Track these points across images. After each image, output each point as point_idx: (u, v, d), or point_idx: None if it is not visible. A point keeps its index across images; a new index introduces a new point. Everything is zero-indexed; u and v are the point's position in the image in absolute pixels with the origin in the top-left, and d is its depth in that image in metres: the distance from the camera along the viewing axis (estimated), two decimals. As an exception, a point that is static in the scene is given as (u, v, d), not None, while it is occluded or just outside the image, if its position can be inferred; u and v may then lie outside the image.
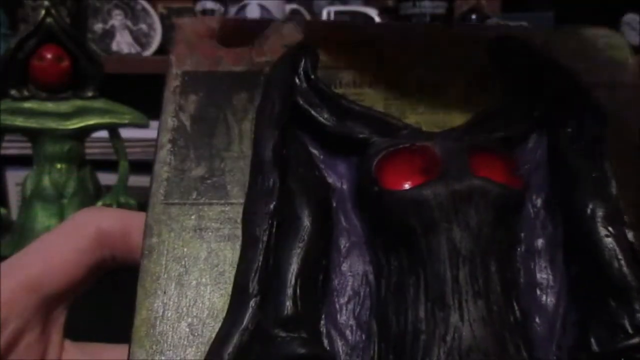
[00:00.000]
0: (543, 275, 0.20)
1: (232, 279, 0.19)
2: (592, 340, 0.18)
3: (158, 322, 0.19)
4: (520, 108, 0.22)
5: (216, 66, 0.23)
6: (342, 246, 0.20)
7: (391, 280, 0.19)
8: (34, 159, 0.57)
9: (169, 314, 0.19)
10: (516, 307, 0.19)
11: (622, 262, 0.18)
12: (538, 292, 0.20)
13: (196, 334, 0.19)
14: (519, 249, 0.20)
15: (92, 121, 0.56)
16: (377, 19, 1.19)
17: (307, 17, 1.21)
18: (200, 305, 0.19)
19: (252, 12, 1.07)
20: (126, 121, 0.57)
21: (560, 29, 0.25)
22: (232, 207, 0.20)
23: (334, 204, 0.20)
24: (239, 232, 0.19)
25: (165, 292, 0.19)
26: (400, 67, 0.23)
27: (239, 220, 0.20)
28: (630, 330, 0.18)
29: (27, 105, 0.56)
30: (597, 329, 0.18)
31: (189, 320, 0.19)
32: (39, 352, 0.23)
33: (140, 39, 1.17)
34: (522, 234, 0.20)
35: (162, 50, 1.17)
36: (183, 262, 0.20)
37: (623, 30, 1.20)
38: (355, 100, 0.21)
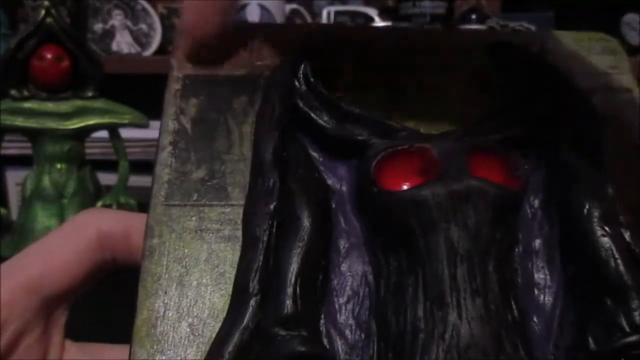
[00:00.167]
0: (540, 275, 0.20)
1: (232, 279, 0.19)
2: (590, 339, 0.18)
3: (159, 322, 0.19)
4: (519, 110, 0.22)
5: (217, 70, 0.23)
6: (341, 247, 0.20)
7: (390, 280, 0.19)
8: (34, 159, 0.57)
9: (170, 314, 0.19)
10: (514, 307, 0.19)
11: (619, 261, 0.18)
12: (536, 292, 0.20)
13: (197, 334, 0.19)
14: (516, 249, 0.20)
15: (92, 121, 0.56)
16: (377, 19, 1.19)
17: (307, 17, 1.21)
18: (201, 305, 0.19)
19: (252, 12, 1.06)
20: (126, 121, 0.57)
21: (557, 33, 0.25)
22: (232, 209, 0.20)
23: (334, 206, 0.21)
24: (239, 234, 0.20)
25: (166, 293, 0.19)
26: (400, 69, 0.23)
27: (239, 222, 0.20)
28: (627, 329, 0.18)
29: (27, 105, 0.56)
30: (594, 329, 0.18)
31: (190, 320, 0.19)
32: (39, 353, 0.23)
33: (140, 39, 1.17)
34: (520, 235, 0.20)
35: (162, 50, 1.17)
36: (184, 263, 0.20)
37: (623, 30, 1.20)
38: (354, 103, 0.22)
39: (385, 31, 0.26)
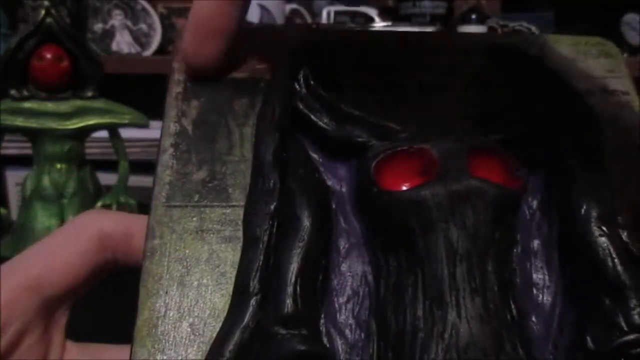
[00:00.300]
0: (539, 275, 0.20)
1: (233, 279, 0.19)
2: (588, 339, 0.18)
3: (160, 322, 0.19)
4: (519, 110, 0.22)
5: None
6: (341, 247, 0.20)
7: (390, 280, 0.19)
8: (34, 159, 0.57)
9: (171, 314, 0.19)
10: (513, 306, 0.19)
11: (617, 261, 0.18)
12: (534, 292, 0.20)
13: (197, 334, 0.19)
14: (515, 250, 0.20)
15: (92, 121, 0.56)
16: (377, 19, 1.19)
17: (307, 17, 1.21)
18: (202, 305, 0.19)
19: (252, 12, 1.06)
20: (126, 121, 0.58)
21: (554, 37, 0.25)
22: (233, 210, 0.21)
23: (334, 206, 0.21)
24: (240, 234, 0.20)
25: (167, 293, 0.19)
26: (400, 69, 0.23)
27: (240, 223, 0.20)
28: (625, 328, 0.18)
29: (27, 105, 0.56)
30: (592, 328, 0.18)
31: (191, 320, 0.19)
32: (40, 353, 0.23)
33: (140, 39, 1.17)
34: (519, 235, 0.20)
35: (162, 50, 1.17)
36: (185, 263, 0.20)
37: (623, 30, 1.20)
38: (354, 105, 0.22)
39: (385, 32, 0.26)
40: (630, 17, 1.21)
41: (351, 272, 0.20)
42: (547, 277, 0.20)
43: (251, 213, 0.19)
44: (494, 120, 0.22)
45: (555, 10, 1.21)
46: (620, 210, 0.19)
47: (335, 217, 0.21)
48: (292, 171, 0.20)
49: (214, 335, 0.18)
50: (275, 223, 0.19)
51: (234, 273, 0.19)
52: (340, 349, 0.19)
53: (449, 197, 0.19)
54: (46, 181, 0.56)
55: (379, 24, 1.17)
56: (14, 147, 0.77)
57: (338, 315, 0.19)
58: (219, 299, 0.19)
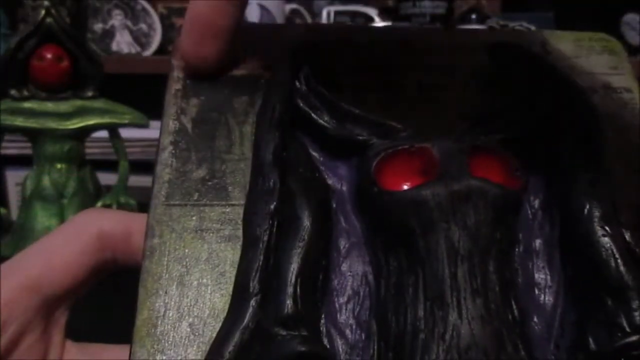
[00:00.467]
0: (541, 275, 0.20)
1: (232, 279, 0.19)
2: (590, 339, 0.18)
3: (159, 322, 0.19)
4: (519, 110, 0.22)
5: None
6: (341, 247, 0.20)
7: (390, 280, 0.19)
8: (34, 159, 0.57)
9: (170, 314, 0.19)
10: (514, 307, 0.19)
11: (619, 261, 0.18)
12: (536, 292, 0.20)
13: (197, 334, 0.19)
14: (517, 249, 0.20)
15: (92, 121, 0.56)
16: (377, 19, 1.19)
17: (307, 17, 1.21)
18: (201, 305, 0.19)
19: (252, 12, 1.06)
20: (126, 121, 0.58)
21: (557, 33, 0.25)
22: (233, 209, 0.20)
23: (334, 205, 0.21)
24: (239, 233, 0.20)
25: (166, 292, 0.19)
26: (400, 69, 0.23)
27: (239, 222, 0.20)
28: (627, 329, 0.18)
29: (27, 105, 0.56)
30: (594, 329, 0.18)
31: (190, 320, 0.19)
32: (40, 353, 0.23)
33: (140, 39, 1.17)
34: (520, 235, 0.20)
35: (162, 50, 1.17)
36: (184, 263, 0.20)
37: (623, 30, 1.20)
38: (354, 103, 0.22)
39: (385, 31, 0.26)
40: (630, 17, 1.21)
41: (351, 272, 0.20)
42: (548, 277, 0.20)
43: (251, 212, 0.19)
44: (494, 120, 0.22)
45: (555, 10, 1.21)
46: (622, 210, 0.19)
47: (336, 216, 0.20)
48: (292, 170, 0.20)
49: (214, 335, 0.18)
50: (275, 222, 0.19)
51: (234, 273, 0.19)
52: (340, 350, 0.19)
53: (449, 197, 0.19)
54: (46, 181, 0.56)
55: (378, 24, 1.17)
56: (14, 147, 0.77)
57: (338, 316, 0.19)
58: (219, 299, 0.19)
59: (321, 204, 0.20)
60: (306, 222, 0.19)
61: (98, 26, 1.15)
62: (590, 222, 0.19)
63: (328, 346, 0.19)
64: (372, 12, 1.20)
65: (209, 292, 0.19)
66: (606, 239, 0.19)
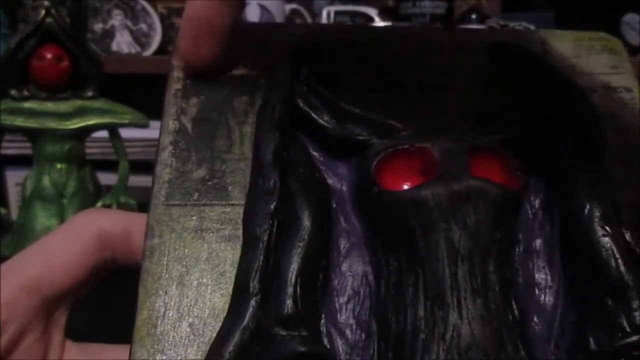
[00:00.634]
0: (541, 275, 0.20)
1: (232, 279, 0.19)
2: (590, 339, 0.18)
3: (159, 322, 0.19)
4: (519, 110, 0.22)
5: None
6: (341, 246, 0.20)
7: (390, 280, 0.19)
8: (34, 159, 0.57)
9: (170, 314, 0.19)
10: (514, 307, 0.19)
11: (619, 261, 0.18)
12: (536, 292, 0.20)
13: (197, 334, 0.19)
14: (517, 249, 0.20)
15: (92, 121, 0.56)
16: (377, 19, 1.19)
17: (307, 17, 1.21)
18: (201, 305, 0.19)
19: (252, 12, 1.07)
20: (126, 121, 0.58)
21: (558, 33, 0.25)
22: (232, 208, 0.20)
23: (334, 205, 0.21)
24: (239, 233, 0.20)
25: (166, 292, 0.19)
26: (400, 69, 0.23)
27: (239, 221, 0.20)
28: (627, 329, 0.18)
29: (27, 105, 0.56)
30: (595, 329, 0.18)
31: (190, 320, 0.19)
32: (40, 353, 0.23)
33: (140, 39, 1.17)
34: (520, 235, 0.20)
35: (162, 50, 1.17)
36: (184, 263, 0.20)
37: (623, 30, 1.20)
38: (354, 103, 0.22)
39: (385, 31, 0.26)
40: (630, 17, 1.21)
41: (351, 272, 0.20)
42: (549, 277, 0.20)
43: (251, 212, 0.19)
44: (494, 120, 0.22)
45: (555, 10, 1.21)
46: (623, 210, 0.19)
47: (336, 216, 0.20)
48: (293, 170, 0.20)
49: (214, 335, 0.18)
50: (276, 222, 0.19)
51: (234, 272, 0.19)
52: (340, 350, 0.19)
53: (449, 197, 0.19)
54: (46, 181, 0.56)
55: (379, 24, 1.18)
56: (14, 147, 0.77)
57: (338, 316, 0.19)
58: (219, 299, 0.19)
59: (321, 204, 0.20)
60: (306, 222, 0.19)
61: (98, 26, 1.15)
62: (591, 222, 0.19)
63: (328, 346, 0.19)
64: (372, 12, 1.20)
65: (209, 292, 0.19)
66: (606, 239, 0.19)
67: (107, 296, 0.30)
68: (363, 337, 0.19)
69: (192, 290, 0.19)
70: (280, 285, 0.18)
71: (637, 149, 0.22)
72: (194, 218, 0.20)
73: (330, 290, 0.19)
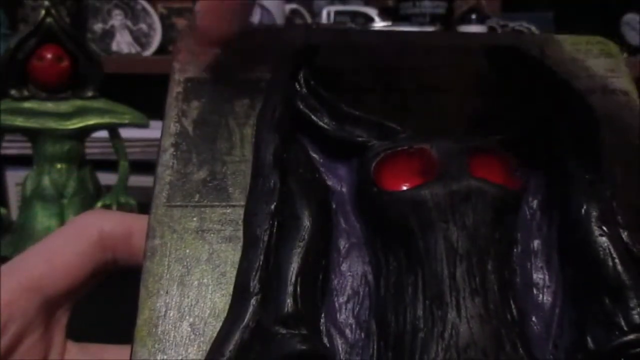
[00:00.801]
0: (539, 275, 0.20)
1: (233, 279, 0.19)
2: (589, 339, 0.18)
3: (160, 322, 0.19)
4: (519, 110, 0.22)
5: (218, 72, 0.23)
6: (341, 247, 0.20)
7: (390, 280, 0.19)
8: (34, 159, 0.57)
9: (171, 314, 0.19)
10: (513, 306, 0.19)
11: (617, 261, 0.18)
12: (534, 291, 0.20)
13: (198, 333, 0.19)
14: (515, 250, 0.20)
15: (92, 121, 0.56)
16: (377, 19, 1.19)
17: (307, 17, 1.21)
18: (202, 305, 0.19)
19: (252, 12, 1.06)
20: (126, 121, 0.58)
21: (555, 37, 0.25)
22: (233, 210, 0.21)
23: (334, 206, 0.21)
24: (240, 234, 0.20)
25: (167, 292, 0.19)
26: (400, 70, 0.24)
27: (240, 222, 0.20)
28: (625, 328, 0.18)
29: (27, 105, 0.56)
30: (593, 328, 0.18)
31: (191, 319, 0.19)
32: (41, 353, 0.23)
33: (140, 39, 1.17)
34: (519, 235, 0.20)
35: (162, 50, 1.17)
36: (185, 263, 0.20)
37: (623, 30, 1.20)
38: (354, 105, 0.22)
39: (385, 33, 0.26)
40: (630, 17, 1.21)
41: (351, 271, 0.20)
42: (547, 277, 0.20)
43: (251, 213, 0.19)
44: (494, 120, 0.22)
45: (555, 10, 1.21)
46: (621, 210, 0.19)
47: (336, 217, 0.21)
48: (293, 171, 0.20)
49: (214, 335, 0.18)
50: (276, 223, 0.19)
51: (235, 273, 0.19)
52: (340, 349, 0.19)
53: (449, 197, 0.19)
54: (46, 181, 0.56)
55: (378, 24, 1.18)
56: (14, 147, 0.77)
57: (338, 315, 0.19)
58: (219, 299, 0.19)
59: (321, 205, 0.20)
60: (306, 222, 0.19)
61: (98, 26, 1.14)
62: (588, 222, 0.19)
63: (328, 345, 0.19)
64: (372, 12, 1.20)
65: (209, 292, 0.19)
66: (604, 239, 0.19)
67: (108, 296, 0.30)
68: (362, 336, 0.19)
69: (193, 290, 0.19)
70: (280, 284, 0.18)
71: (635, 150, 0.22)
72: (194, 219, 0.20)
73: (330, 290, 0.20)
